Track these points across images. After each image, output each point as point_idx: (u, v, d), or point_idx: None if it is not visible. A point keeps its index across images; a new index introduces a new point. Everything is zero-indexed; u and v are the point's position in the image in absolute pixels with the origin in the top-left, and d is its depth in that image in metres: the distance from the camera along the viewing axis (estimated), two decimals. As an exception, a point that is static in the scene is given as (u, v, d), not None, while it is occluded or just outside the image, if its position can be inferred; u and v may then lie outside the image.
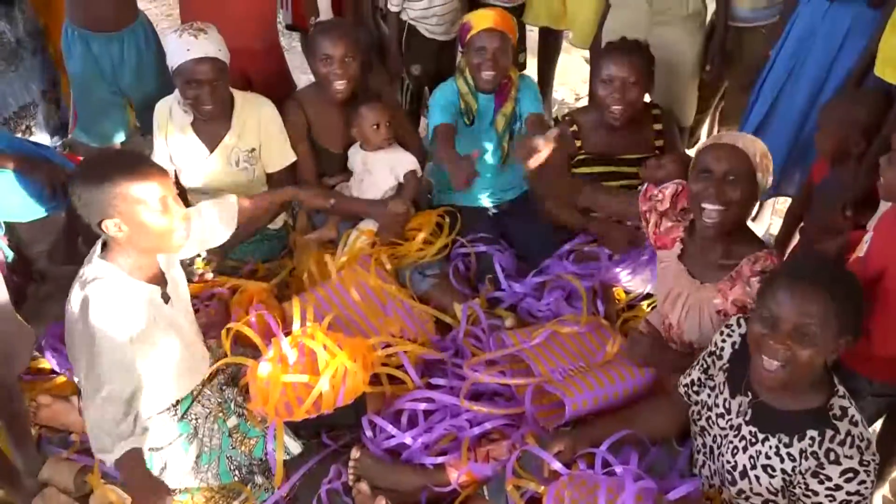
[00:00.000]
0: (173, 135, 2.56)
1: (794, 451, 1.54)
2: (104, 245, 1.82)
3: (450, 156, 2.46)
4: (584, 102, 3.83)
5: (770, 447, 1.58)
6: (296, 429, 2.08)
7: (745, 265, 1.83)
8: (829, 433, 1.50)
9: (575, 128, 2.64)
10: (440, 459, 1.98)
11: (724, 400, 1.69)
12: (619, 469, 1.74)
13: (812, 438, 1.52)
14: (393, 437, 2.04)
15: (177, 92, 2.51)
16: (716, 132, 3.40)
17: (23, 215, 2.45)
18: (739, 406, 1.65)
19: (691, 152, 3.44)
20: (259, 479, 2.05)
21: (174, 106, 2.54)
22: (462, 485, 1.95)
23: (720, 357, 1.73)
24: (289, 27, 3.52)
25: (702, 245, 1.93)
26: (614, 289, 2.51)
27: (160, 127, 2.57)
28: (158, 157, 2.59)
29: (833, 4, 2.30)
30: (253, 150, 2.61)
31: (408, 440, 2.03)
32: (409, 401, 2.12)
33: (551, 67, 3.63)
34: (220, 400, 2.07)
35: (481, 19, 2.61)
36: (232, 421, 2.05)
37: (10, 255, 2.45)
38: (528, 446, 1.86)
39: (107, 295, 1.74)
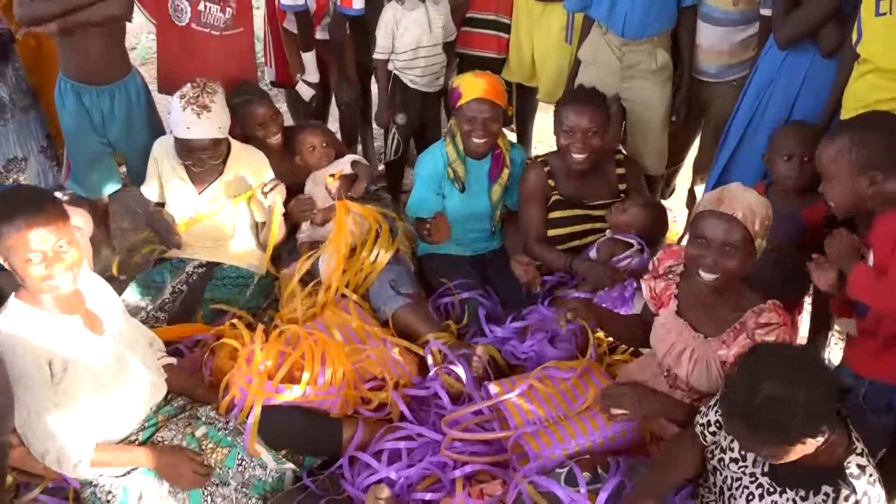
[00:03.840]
0: (165, 171, 2.67)
1: None
2: None
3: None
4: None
5: (787, 499, 1.58)
6: (268, 443, 2.06)
7: (750, 317, 1.84)
8: (845, 491, 1.50)
9: (548, 168, 2.74)
10: (429, 496, 1.98)
11: (740, 447, 1.67)
12: None
13: (826, 494, 1.52)
14: (373, 474, 2.03)
15: None
16: (689, 182, 3.52)
17: None
18: (756, 457, 1.64)
19: (667, 203, 3.56)
20: None
21: (172, 145, 2.62)
22: None
23: None
24: (273, 84, 3.63)
25: (703, 300, 1.94)
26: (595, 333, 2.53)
27: (153, 162, 2.68)
28: (147, 190, 2.73)
29: (789, 55, 2.43)
30: (241, 197, 2.67)
31: (392, 475, 2.02)
32: (391, 440, 2.12)
33: (529, 122, 3.76)
34: (189, 421, 2.05)
35: (472, 88, 2.67)
36: (200, 431, 2.02)
37: None
38: (542, 479, 1.85)
39: (12, 335, 1.77)
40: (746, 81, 2.62)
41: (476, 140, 2.70)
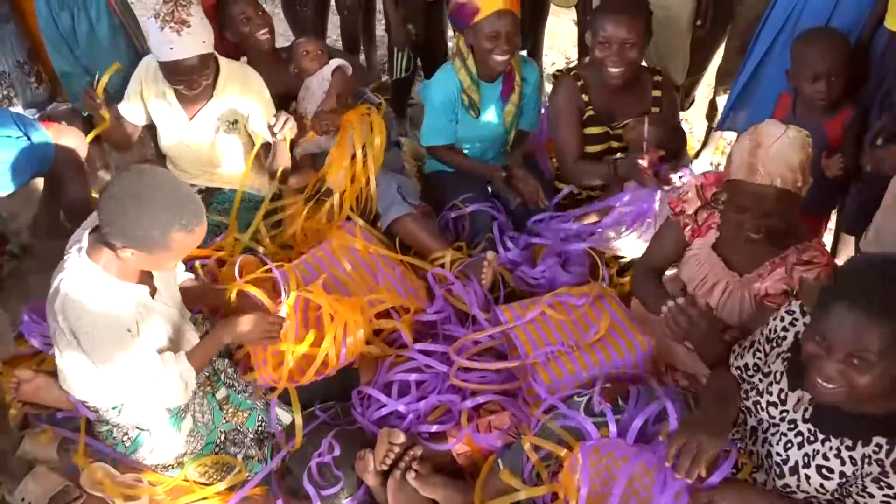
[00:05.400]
0: (150, 97, 2.51)
1: (857, 455, 1.42)
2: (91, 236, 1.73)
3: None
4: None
5: (830, 448, 1.46)
6: (287, 400, 2.06)
7: (792, 253, 1.78)
8: None
9: (582, 82, 2.54)
10: (435, 427, 1.98)
11: (781, 391, 1.56)
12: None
13: (879, 446, 1.39)
14: (383, 406, 2.03)
15: None
16: (710, 92, 3.35)
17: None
18: (798, 401, 1.53)
19: (685, 114, 3.42)
20: (252, 451, 2.02)
21: (158, 67, 2.43)
22: (462, 455, 1.92)
23: (779, 345, 1.59)
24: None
25: (748, 243, 1.81)
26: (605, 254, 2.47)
27: (137, 82, 2.51)
28: (127, 111, 2.57)
29: None
30: (236, 120, 2.55)
31: (401, 408, 2.01)
32: (402, 371, 2.10)
33: (540, 28, 3.55)
34: (208, 373, 2.03)
35: (490, 1, 2.40)
36: (221, 393, 2.01)
37: None
38: (562, 407, 1.82)
39: (87, 300, 1.69)
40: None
41: (499, 58, 2.45)
